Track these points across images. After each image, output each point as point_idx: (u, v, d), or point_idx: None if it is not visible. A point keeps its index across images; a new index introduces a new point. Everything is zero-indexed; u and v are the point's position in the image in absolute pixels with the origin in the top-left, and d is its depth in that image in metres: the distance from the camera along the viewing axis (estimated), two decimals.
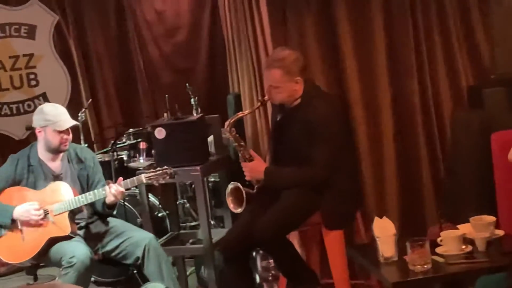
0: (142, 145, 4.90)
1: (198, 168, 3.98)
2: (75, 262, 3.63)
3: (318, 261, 3.95)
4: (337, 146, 3.58)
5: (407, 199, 4.15)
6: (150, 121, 5.10)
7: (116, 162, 4.86)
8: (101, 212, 3.94)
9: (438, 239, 3.04)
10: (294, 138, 3.63)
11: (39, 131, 3.91)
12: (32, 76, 6.08)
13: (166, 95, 4.24)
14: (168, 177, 3.74)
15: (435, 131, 4.13)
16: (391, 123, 4.12)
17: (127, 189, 3.85)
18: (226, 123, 3.70)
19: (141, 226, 4.36)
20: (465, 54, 4.14)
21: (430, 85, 4.13)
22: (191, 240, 4.34)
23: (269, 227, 3.52)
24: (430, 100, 4.13)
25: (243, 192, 3.63)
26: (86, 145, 4.93)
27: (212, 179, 4.89)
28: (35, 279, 4.13)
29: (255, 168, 3.67)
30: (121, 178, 3.79)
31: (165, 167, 3.75)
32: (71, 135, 3.93)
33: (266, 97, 3.69)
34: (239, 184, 3.68)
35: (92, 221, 3.97)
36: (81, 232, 3.91)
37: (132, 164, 4.92)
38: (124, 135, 5.19)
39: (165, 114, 4.19)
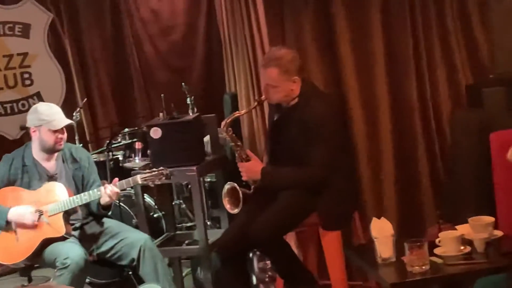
0: (138, 145, 4.90)
1: (194, 168, 3.97)
2: (70, 263, 3.61)
3: (315, 262, 3.94)
4: (335, 146, 3.57)
5: (405, 200, 4.16)
6: (145, 120, 5.07)
7: (111, 162, 4.84)
8: (96, 213, 3.92)
9: (437, 240, 3.04)
10: (292, 138, 3.62)
11: (34, 131, 3.90)
12: (26, 75, 6.08)
13: (162, 95, 4.23)
14: (164, 178, 3.74)
15: (433, 130, 4.14)
16: (389, 123, 4.13)
17: (122, 190, 3.84)
18: (223, 123, 3.68)
19: (136, 227, 4.35)
20: (464, 53, 4.14)
21: (429, 84, 4.13)
22: (187, 241, 4.32)
23: (266, 228, 3.51)
24: (429, 100, 4.13)
25: (240, 192, 3.62)
26: (81, 145, 4.90)
27: (209, 180, 4.88)
28: (29, 280, 4.12)
29: (252, 168, 3.65)
30: (116, 179, 3.78)
31: (161, 168, 3.74)
32: (65, 134, 3.93)
33: (263, 97, 3.68)
34: (235, 185, 3.67)
35: (87, 222, 3.96)
36: (76, 233, 3.90)
37: (127, 164, 4.92)
38: (120, 135, 5.18)
39: (161, 114, 4.17)
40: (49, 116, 3.87)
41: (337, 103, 3.87)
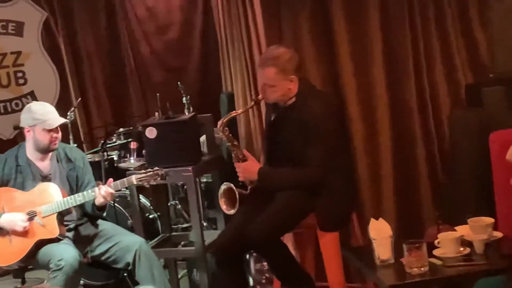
0: (133, 145, 4.92)
1: (190, 168, 3.96)
2: (64, 265, 3.60)
3: (313, 263, 3.93)
4: (332, 146, 3.56)
5: (404, 200, 4.14)
6: (141, 120, 5.12)
7: (106, 163, 4.83)
8: (91, 213, 3.92)
9: (436, 241, 3.02)
10: (289, 138, 3.61)
11: (28, 131, 3.90)
12: (20, 74, 6.07)
13: (158, 94, 4.22)
14: (159, 178, 3.73)
15: (432, 130, 4.12)
16: (388, 122, 4.11)
17: (117, 190, 3.83)
18: (219, 123, 3.68)
19: (131, 228, 4.35)
20: (463, 52, 4.13)
21: (428, 83, 4.11)
22: (183, 242, 4.31)
23: (262, 229, 3.50)
24: (428, 99, 4.12)
25: (236, 193, 3.61)
26: (76, 145, 4.91)
27: (205, 180, 4.88)
28: (23, 282, 4.10)
29: (249, 168, 3.65)
30: (111, 179, 3.76)
31: (156, 168, 3.73)
32: (60, 134, 3.92)
33: (260, 96, 3.68)
34: (232, 185, 3.65)
35: (81, 223, 3.94)
36: (70, 234, 3.88)
37: (122, 165, 4.93)
38: (114, 135, 5.18)
39: (156, 113, 4.16)
40: (43, 115, 3.86)
41: (335, 103, 3.85)
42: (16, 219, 3.76)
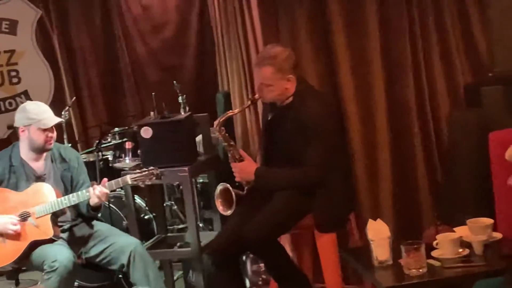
0: (128, 145, 4.87)
1: (186, 168, 3.96)
2: (58, 266, 3.59)
3: (310, 265, 3.92)
4: (330, 146, 3.56)
5: (402, 201, 4.13)
6: (136, 120, 5.10)
7: (101, 163, 4.83)
8: (86, 214, 3.90)
9: (434, 242, 3.02)
10: (286, 138, 3.60)
11: (23, 130, 3.89)
12: (13, 73, 6.05)
13: (153, 93, 4.22)
14: (154, 177, 3.71)
15: (431, 130, 4.12)
16: (386, 122, 4.10)
17: (112, 191, 3.83)
18: (215, 122, 3.67)
19: (127, 228, 4.35)
20: (462, 51, 4.12)
21: (427, 83, 4.11)
22: (178, 243, 4.32)
23: (259, 230, 3.49)
24: (427, 99, 4.11)
25: (233, 193, 3.61)
26: (70, 144, 4.90)
27: (201, 180, 4.88)
28: (17, 284, 4.08)
29: (245, 168, 3.63)
30: (105, 179, 3.74)
31: (151, 167, 3.71)
32: (55, 133, 3.91)
33: (256, 96, 3.67)
34: (228, 185, 3.65)
35: (76, 223, 3.93)
36: (64, 235, 3.87)
37: (117, 165, 4.89)
38: (109, 135, 5.16)
39: (152, 113, 4.16)
40: (38, 114, 3.85)
41: (332, 102, 3.85)
42: (6, 222, 3.74)
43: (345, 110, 4.08)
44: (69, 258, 3.63)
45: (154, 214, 4.70)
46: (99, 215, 4.00)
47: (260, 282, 4.16)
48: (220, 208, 3.69)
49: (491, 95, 3.85)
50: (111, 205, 4.56)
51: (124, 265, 3.75)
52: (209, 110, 4.54)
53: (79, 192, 3.76)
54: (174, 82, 4.47)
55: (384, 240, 2.98)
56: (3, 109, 6.01)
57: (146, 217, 4.78)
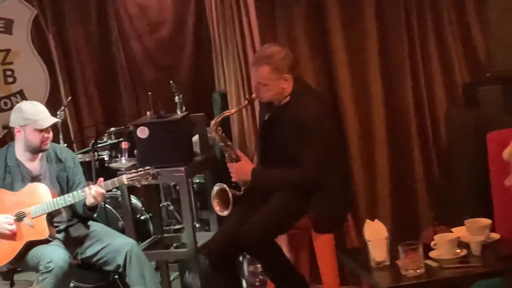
0: (124, 145, 4.89)
1: (182, 169, 3.95)
2: (53, 267, 3.57)
3: (307, 265, 3.91)
4: (328, 146, 3.55)
5: (400, 201, 4.13)
6: (132, 119, 5.06)
7: (96, 163, 4.82)
8: (82, 214, 3.89)
9: (432, 243, 3.03)
10: (283, 138, 3.59)
11: (18, 131, 3.87)
12: (9, 73, 6.03)
13: (149, 93, 4.22)
14: (150, 177, 3.69)
15: (429, 130, 4.12)
16: (384, 122, 4.10)
17: (108, 191, 3.82)
18: (212, 122, 3.66)
19: (123, 229, 4.33)
20: (460, 51, 4.12)
21: (424, 82, 4.11)
22: (175, 244, 4.35)
23: (256, 230, 3.49)
24: (424, 98, 4.11)
25: (230, 194, 3.59)
26: (66, 144, 4.89)
27: (197, 180, 4.86)
28: (12, 284, 4.08)
29: (242, 169, 3.63)
30: (101, 179, 3.73)
31: (148, 167, 3.70)
32: (51, 134, 3.90)
33: (253, 95, 3.67)
34: (225, 186, 3.64)
35: (72, 224, 3.91)
36: (60, 236, 3.85)
37: (113, 165, 4.90)
38: (105, 134, 5.16)
39: (148, 113, 4.14)
40: (34, 115, 3.83)
41: (329, 102, 3.85)
42: (1, 221, 3.72)
43: (342, 110, 4.07)
44: (64, 259, 3.62)
45: (150, 215, 4.69)
46: (95, 215, 3.99)
47: (257, 283, 4.15)
48: (216, 208, 3.68)
49: (489, 94, 3.85)
50: (107, 205, 4.55)
51: (120, 265, 3.73)
52: (206, 110, 4.54)
53: (75, 192, 3.75)
54: (171, 81, 4.47)
55: (381, 241, 2.98)
56: None
57: (142, 217, 4.78)
